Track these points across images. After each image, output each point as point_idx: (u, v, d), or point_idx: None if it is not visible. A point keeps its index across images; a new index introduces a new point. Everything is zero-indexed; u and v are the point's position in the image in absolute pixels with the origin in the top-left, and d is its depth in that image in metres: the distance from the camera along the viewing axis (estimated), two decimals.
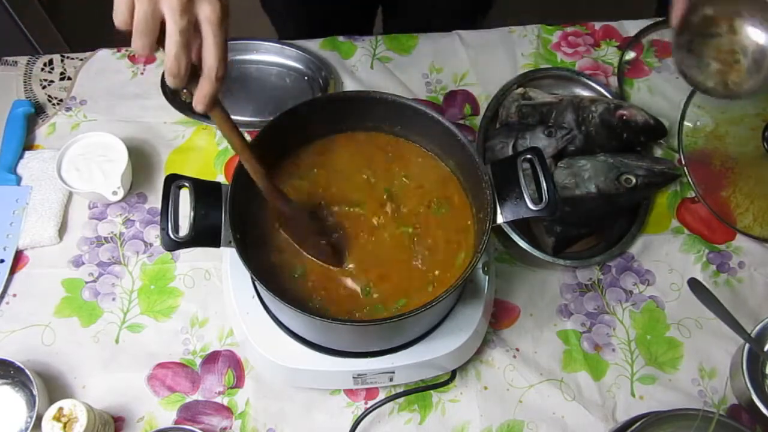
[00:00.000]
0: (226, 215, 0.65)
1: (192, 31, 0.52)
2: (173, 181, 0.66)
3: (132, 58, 1.07)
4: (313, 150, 0.78)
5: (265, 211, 0.74)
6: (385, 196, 0.76)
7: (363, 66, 1.08)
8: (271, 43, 1.06)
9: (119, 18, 0.52)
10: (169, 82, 0.54)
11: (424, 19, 1.14)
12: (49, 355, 0.85)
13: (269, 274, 0.70)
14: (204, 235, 0.65)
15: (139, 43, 0.51)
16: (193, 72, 0.55)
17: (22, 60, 1.07)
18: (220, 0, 0.53)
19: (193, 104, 0.56)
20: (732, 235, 0.97)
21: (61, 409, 0.73)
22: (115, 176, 0.91)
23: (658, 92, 1.08)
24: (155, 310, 0.89)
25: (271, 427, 0.83)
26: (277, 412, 0.83)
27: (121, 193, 0.92)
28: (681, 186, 1.00)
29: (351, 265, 0.72)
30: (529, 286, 0.92)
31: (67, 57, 1.07)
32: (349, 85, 1.06)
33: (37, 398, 0.76)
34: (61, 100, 1.03)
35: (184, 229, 0.64)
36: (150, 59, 1.07)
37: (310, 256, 0.71)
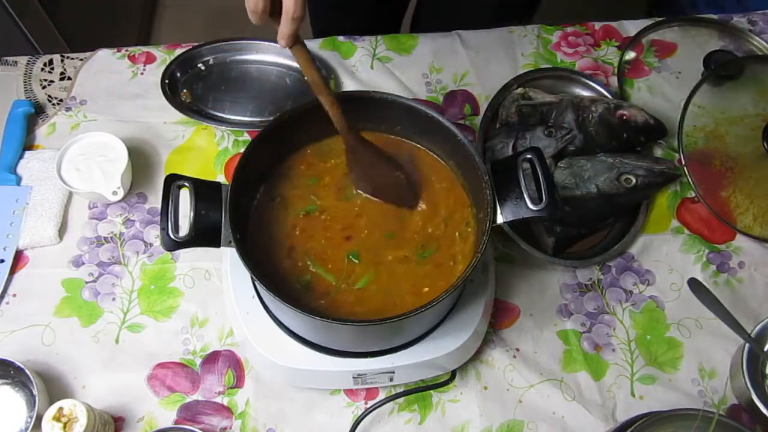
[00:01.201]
0: (226, 215, 0.65)
1: None
2: (173, 181, 0.66)
3: (132, 58, 1.07)
4: (313, 150, 0.78)
5: (265, 211, 0.75)
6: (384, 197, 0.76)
7: (363, 66, 1.08)
8: (271, 43, 1.06)
9: None
10: (251, 18, 0.59)
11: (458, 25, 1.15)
12: (49, 355, 0.85)
13: (269, 274, 0.70)
14: (204, 235, 0.65)
15: None
16: (275, 12, 0.59)
17: (22, 60, 1.07)
18: None
19: (277, 40, 0.61)
20: (732, 235, 0.97)
21: (61, 409, 0.73)
22: (115, 176, 0.91)
23: (658, 92, 1.08)
24: (155, 310, 0.89)
25: (271, 427, 0.83)
26: (277, 412, 0.83)
27: (121, 193, 0.92)
28: (681, 186, 1.00)
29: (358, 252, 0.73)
30: (529, 286, 0.92)
31: (67, 57, 1.07)
32: (349, 85, 1.06)
33: (37, 398, 0.76)
34: (61, 100, 1.03)
35: (184, 229, 0.64)
36: (150, 59, 1.07)
37: (386, 202, 0.74)
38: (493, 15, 1.20)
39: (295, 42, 0.62)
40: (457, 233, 0.74)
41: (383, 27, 1.15)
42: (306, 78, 0.66)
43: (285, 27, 0.59)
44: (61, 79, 1.05)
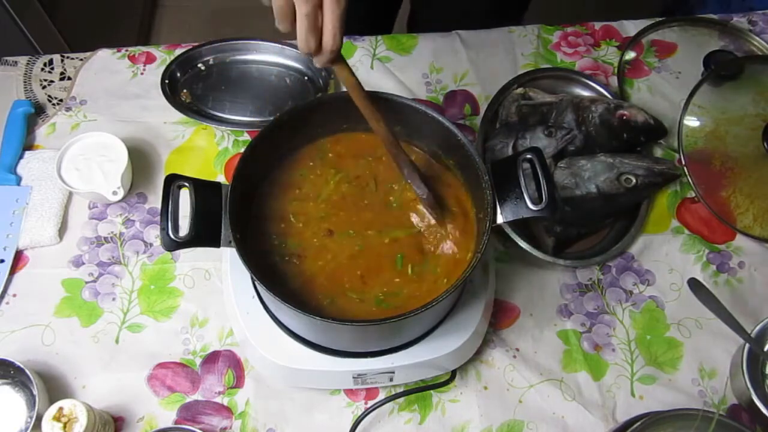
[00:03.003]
0: (226, 215, 0.65)
1: (316, 14, 0.60)
2: (173, 181, 0.66)
3: (132, 58, 1.07)
4: (313, 150, 0.78)
5: (265, 211, 0.74)
6: (384, 197, 0.76)
7: (363, 66, 1.08)
8: (271, 43, 1.06)
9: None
10: (302, 52, 0.63)
11: (453, 21, 1.15)
12: (49, 355, 0.85)
13: (269, 274, 0.70)
14: (204, 235, 0.65)
15: (281, 26, 0.61)
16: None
17: (22, 60, 1.07)
18: None
19: (314, 62, 0.64)
20: (732, 235, 0.97)
21: (61, 409, 0.73)
22: (115, 176, 0.91)
23: (658, 92, 1.08)
24: (155, 310, 0.89)
25: (271, 427, 0.83)
26: (277, 412, 0.83)
27: (121, 193, 0.92)
28: (681, 186, 1.00)
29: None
30: (529, 286, 0.92)
31: (67, 57, 1.07)
32: None
33: (37, 398, 0.76)
34: (61, 100, 1.03)
35: (184, 229, 0.64)
36: (150, 59, 1.07)
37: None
38: (485, 13, 1.20)
39: (335, 62, 0.64)
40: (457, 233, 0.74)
41: (378, 24, 1.15)
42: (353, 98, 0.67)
43: (325, 57, 0.63)
44: (61, 79, 1.05)
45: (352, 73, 0.66)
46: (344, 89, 0.68)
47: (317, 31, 0.60)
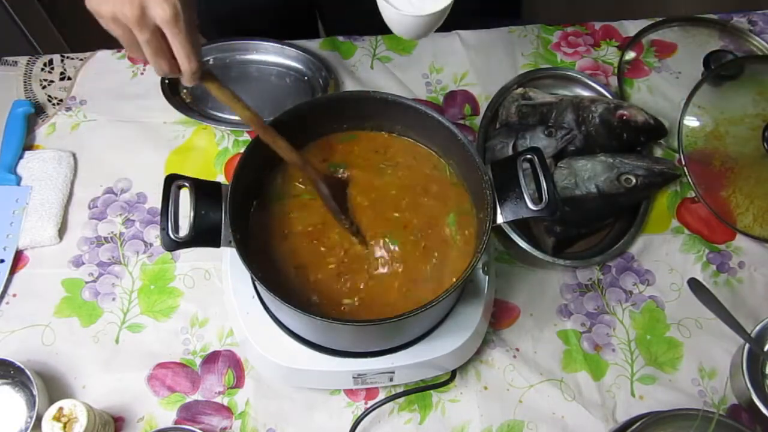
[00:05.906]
0: (226, 215, 0.65)
1: (157, 39, 0.59)
2: (173, 181, 0.66)
3: (132, 58, 1.07)
4: (312, 150, 0.78)
5: (265, 211, 0.74)
6: (384, 197, 0.76)
7: (363, 66, 1.08)
8: (271, 43, 1.06)
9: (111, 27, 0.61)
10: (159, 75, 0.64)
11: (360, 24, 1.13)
12: (49, 355, 0.85)
13: (269, 274, 0.70)
14: (204, 235, 0.65)
15: (131, 54, 0.66)
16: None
17: (22, 60, 1.07)
18: (168, 1, 0.58)
19: (182, 81, 0.65)
20: (732, 235, 0.97)
21: (61, 409, 0.73)
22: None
23: (658, 92, 1.08)
24: (155, 310, 0.89)
25: (271, 427, 0.83)
26: (277, 412, 0.83)
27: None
28: (681, 186, 1.00)
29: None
30: (529, 286, 0.92)
31: (67, 57, 1.07)
32: (349, 85, 1.06)
33: (37, 398, 0.76)
34: (61, 100, 1.03)
35: (184, 229, 0.64)
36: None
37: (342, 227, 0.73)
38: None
39: (204, 79, 0.65)
40: (457, 235, 0.74)
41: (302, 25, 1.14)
42: (237, 114, 0.68)
43: (188, 78, 0.64)
44: (61, 79, 1.05)
45: (228, 91, 0.67)
46: (345, 89, 0.68)
47: (164, 53, 0.61)
